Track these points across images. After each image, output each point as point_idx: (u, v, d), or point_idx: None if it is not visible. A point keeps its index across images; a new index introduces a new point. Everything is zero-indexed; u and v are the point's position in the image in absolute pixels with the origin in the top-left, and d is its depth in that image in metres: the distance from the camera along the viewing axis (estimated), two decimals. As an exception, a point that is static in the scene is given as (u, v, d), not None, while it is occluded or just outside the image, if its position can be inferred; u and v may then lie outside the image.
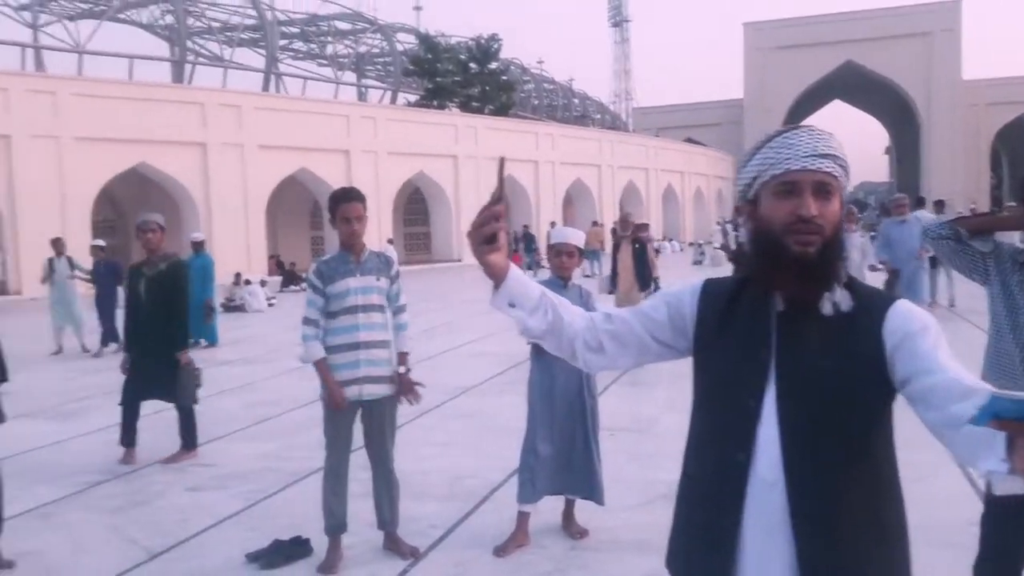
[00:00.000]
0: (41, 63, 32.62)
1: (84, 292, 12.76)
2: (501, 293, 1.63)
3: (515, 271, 1.64)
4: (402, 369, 4.19)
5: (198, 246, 12.39)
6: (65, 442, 6.89)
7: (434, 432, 6.79)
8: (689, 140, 63.26)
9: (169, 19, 38.29)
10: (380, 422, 4.16)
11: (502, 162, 1.63)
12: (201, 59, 40.14)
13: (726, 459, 1.55)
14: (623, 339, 1.68)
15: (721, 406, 1.59)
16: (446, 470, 5.70)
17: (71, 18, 37.57)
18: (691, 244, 41.43)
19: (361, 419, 4.17)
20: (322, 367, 4.03)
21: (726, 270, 20.37)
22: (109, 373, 8.67)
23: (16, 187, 23.46)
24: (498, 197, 1.58)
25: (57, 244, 12.70)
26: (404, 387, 4.17)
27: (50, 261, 12.51)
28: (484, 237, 1.57)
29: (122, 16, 39.13)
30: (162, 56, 38.20)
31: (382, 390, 4.11)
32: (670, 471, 1.89)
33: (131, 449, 6.16)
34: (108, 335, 11.99)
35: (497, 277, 1.61)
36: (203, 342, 11.92)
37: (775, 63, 65.13)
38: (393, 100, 44.60)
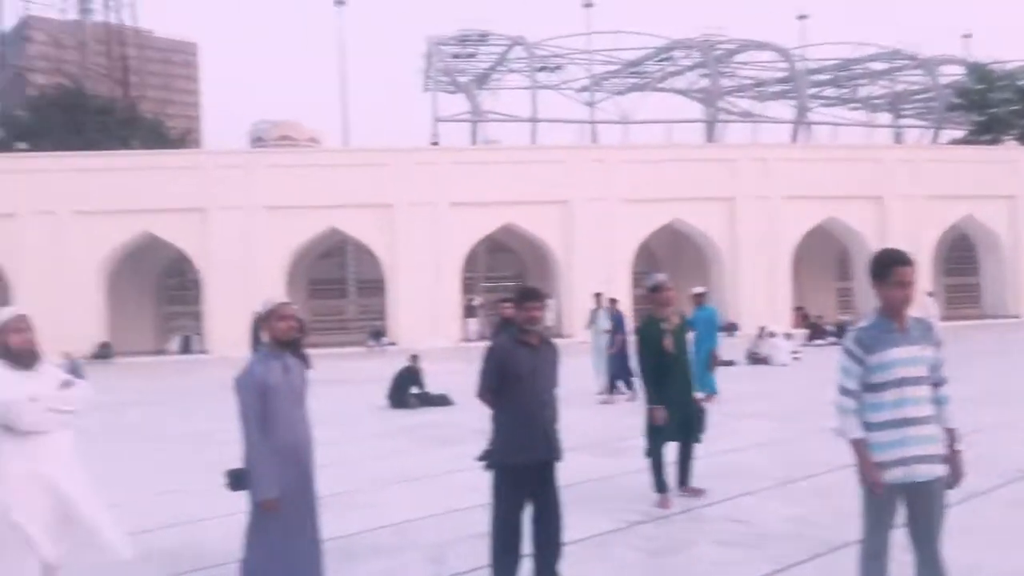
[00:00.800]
0: (596, 136, 37.52)
1: None
2: None
3: None
4: (959, 447, 3.77)
5: (699, 298, 12.70)
6: (611, 478, 7.62)
7: (984, 520, 5.90)
8: None
9: (704, 82, 40.85)
10: (928, 505, 3.75)
11: None
12: (732, 116, 41.90)
13: None
14: None
15: None
16: (999, 567, 4.91)
17: (620, 93, 42.54)
18: None
19: (906, 500, 3.82)
20: (859, 447, 3.75)
21: None
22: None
23: (575, 243, 27.47)
24: None
25: (597, 297, 14.95)
26: (955, 467, 3.74)
27: (593, 311, 14.52)
28: None
29: (661, 86, 42.94)
30: (696, 118, 40.89)
31: (933, 470, 3.72)
32: None
33: (665, 495, 6.58)
34: (610, 381, 13.21)
35: None
36: (707, 393, 12.17)
37: None
38: (934, 139, 40.88)
